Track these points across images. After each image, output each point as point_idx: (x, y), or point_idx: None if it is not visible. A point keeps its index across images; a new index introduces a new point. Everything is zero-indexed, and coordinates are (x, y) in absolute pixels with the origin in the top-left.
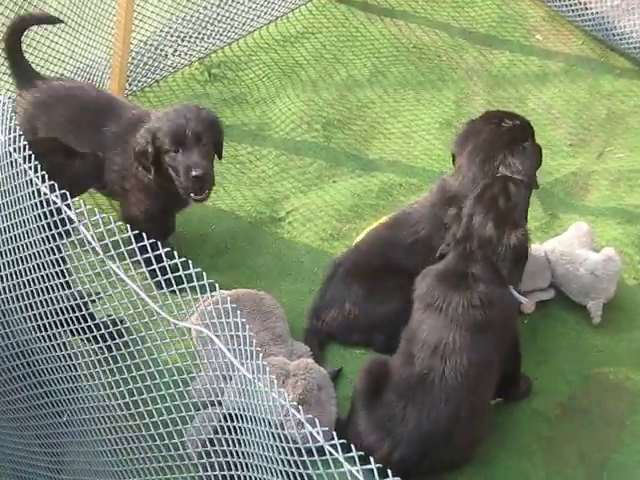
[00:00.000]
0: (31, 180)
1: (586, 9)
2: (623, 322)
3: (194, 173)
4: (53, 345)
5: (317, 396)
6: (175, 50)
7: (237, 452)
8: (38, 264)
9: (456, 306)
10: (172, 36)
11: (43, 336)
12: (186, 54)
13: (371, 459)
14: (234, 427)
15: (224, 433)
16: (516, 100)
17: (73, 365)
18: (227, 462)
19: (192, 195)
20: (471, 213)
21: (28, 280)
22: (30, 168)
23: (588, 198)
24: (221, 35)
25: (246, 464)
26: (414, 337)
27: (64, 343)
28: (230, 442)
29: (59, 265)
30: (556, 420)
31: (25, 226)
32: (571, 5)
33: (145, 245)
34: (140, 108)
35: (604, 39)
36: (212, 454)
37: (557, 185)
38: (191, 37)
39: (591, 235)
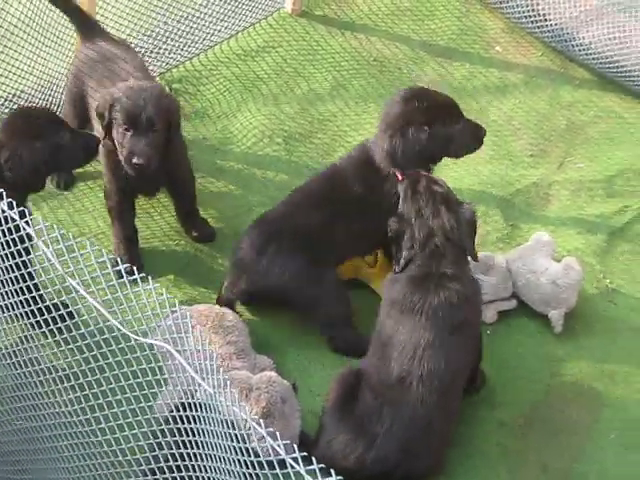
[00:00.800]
0: None
1: (545, 20)
2: (584, 331)
3: (135, 161)
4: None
5: (281, 409)
6: None
7: (198, 466)
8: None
9: (436, 308)
10: None
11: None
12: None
13: (332, 471)
14: (195, 441)
15: (185, 447)
16: (476, 112)
17: (38, 381)
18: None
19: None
20: (418, 209)
21: None
22: None
23: (549, 208)
24: (182, 50)
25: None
26: (390, 341)
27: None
28: (192, 456)
29: (25, 281)
30: (519, 430)
31: None
32: (530, 17)
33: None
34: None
35: (563, 50)
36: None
37: (518, 196)
38: (152, 52)
39: (552, 245)
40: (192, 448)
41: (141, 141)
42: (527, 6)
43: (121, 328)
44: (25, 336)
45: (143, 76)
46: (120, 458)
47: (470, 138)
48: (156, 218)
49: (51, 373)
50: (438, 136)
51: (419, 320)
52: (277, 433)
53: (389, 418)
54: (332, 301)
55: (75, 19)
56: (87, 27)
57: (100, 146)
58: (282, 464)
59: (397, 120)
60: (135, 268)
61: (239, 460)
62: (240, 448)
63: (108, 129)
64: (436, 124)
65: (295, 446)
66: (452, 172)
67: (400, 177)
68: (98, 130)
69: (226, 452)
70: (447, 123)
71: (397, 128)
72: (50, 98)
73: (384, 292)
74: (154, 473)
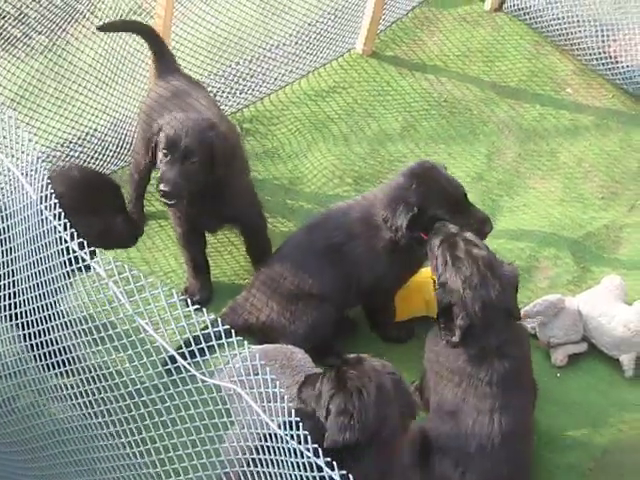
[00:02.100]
0: (61, 238)
1: (616, 63)
2: None
3: (161, 187)
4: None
5: None
6: None
7: None
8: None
9: (504, 377)
10: None
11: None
12: None
13: None
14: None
15: None
16: (547, 154)
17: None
18: None
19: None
20: (464, 279)
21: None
22: (60, 225)
23: (620, 251)
24: (253, 90)
25: None
26: (459, 410)
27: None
28: None
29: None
30: (589, 474)
31: (55, 283)
32: (601, 59)
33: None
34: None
35: (635, 92)
36: None
37: (589, 238)
38: (223, 92)
39: (623, 288)
40: None
41: (173, 169)
42: (598, 48)
43: (190, 369)
44: (93, 377)
45: (214, 114)
46: None
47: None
48: (225, 257)
49: (117, 414)
50: (430, 218)
51: (489, 390)
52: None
53: None
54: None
55: (156, 52)
56: (164, 63)
57: None
58: None
59: (393, 192)
60: (202, 298)
61: None
62: None
63: (153, 153)
64: (430, 208)
65: None
66: (523, 214)
67: (424, 236)
68: None
69: None
70: (443, 208)
71: (389, 202)
72: (123, 137)
73: (430, 355)
74: None
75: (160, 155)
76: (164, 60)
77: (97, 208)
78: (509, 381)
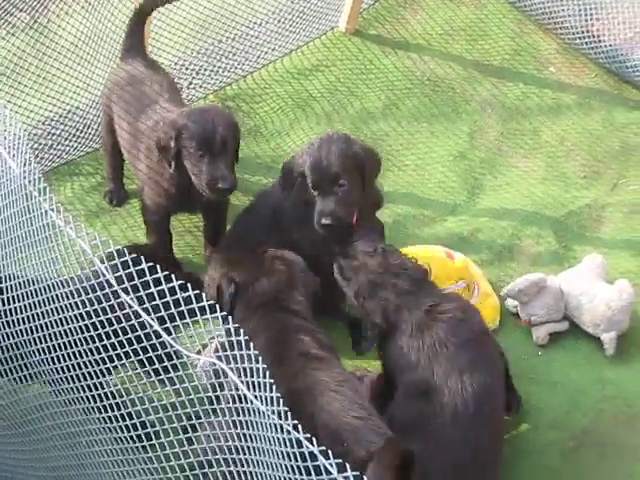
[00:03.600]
0: (46, 212)
1: (599, 42)
2: (637, 354)
3: (221, 186)
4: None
5: None
6: (190, 83)
7: None
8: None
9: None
10: (187, 69)
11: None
12: (201, 87)
13: None
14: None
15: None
16: (530, 132)
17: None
18: None
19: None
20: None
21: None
22: (45, 200)
23: (602, 230)
24: (236, 68)
25: None
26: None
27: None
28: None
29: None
30: (569, 452)
31: (40, 258)
32: (584, 38)
33: (159, 278)
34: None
35: (617, 71)
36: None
37: (571, 217)
38: (206, 70)
39: (604, 267)
40: (245, 466)
41: (220, 165)
42: (581, 27)
43: (174, 344)
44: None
45: (170, 97)
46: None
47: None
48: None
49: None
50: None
51: (446, 350)
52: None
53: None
54: None
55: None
56: (131, 42)
57: (144, 166)
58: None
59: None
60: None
61: (291, 479)
62: (292, 466)
63: (177, 159)
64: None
65: (347, 465)
66: (505, 193)
67: None
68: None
69: (279, 471)
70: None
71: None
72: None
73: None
74: None
75: (193, 158)
76: (133, 40)
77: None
78: (459, 335)
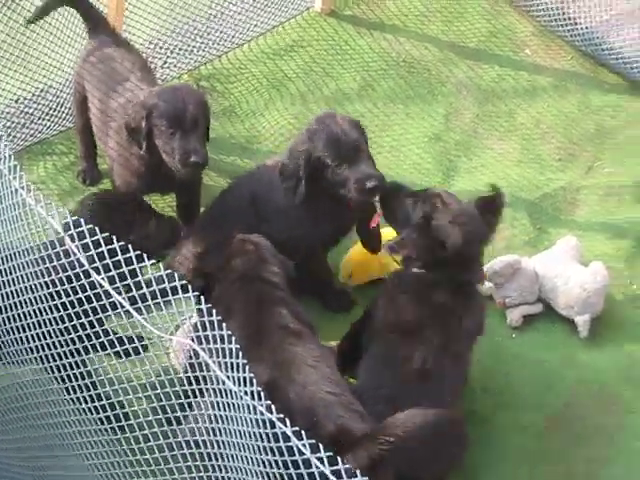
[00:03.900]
0: (16, 190)
1: (575, 24)
2: (611, 337)
3: (193, 159)
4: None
5: None
6: (164, 62)
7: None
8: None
9: None
10: (161, 48)
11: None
12: (175, 66)
13: (358, 473)
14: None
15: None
16: (505, 115)
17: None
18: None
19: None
20: None
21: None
22: (14, 178)
23: (577, 213)
24: (210, 48)
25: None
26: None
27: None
28: (214, 456)
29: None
30: (542, 434)
31: (9, 237)
32: (560, 20)
33: (130, 257)
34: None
35: (593, 54)
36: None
37: (546, 200)
38: (180, 49)
39: (579, 249)
40: (217, 448)
41: (191, 140)
42: (557, 9)
43: (145, 324)
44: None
45: (143, 76)
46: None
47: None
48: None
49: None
50: (318, 162)
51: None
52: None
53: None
54: None
55: (83, 14)
56: (94, 24)
57: (114, 145)
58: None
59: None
60: None
61: (264, 460)
62: (265, 447)
63: (148, 138)
64: (316, 151)
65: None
66: (480, 175)
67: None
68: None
69: (251, 452)
70: (328, 152)
71: (286, 152)
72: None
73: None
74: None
75: (164, 135)
76: (94, 21)
77: (128, 227)
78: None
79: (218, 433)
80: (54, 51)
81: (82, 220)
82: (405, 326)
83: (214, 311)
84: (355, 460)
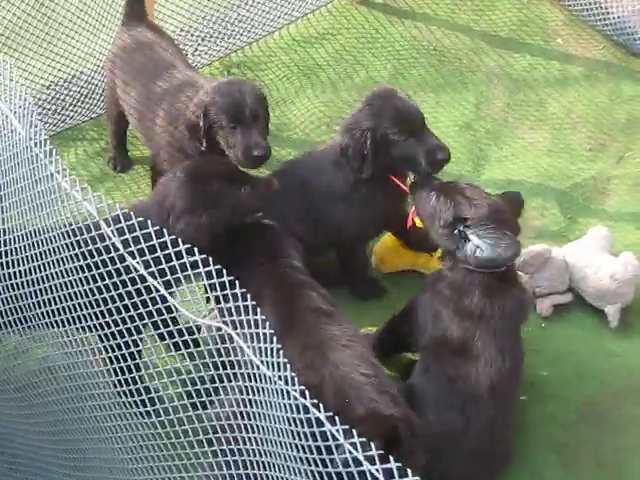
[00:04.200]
0: (52, 174)
1: (607, 14)
2: None
3: (256, 153)
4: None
5: None
6: (195, 50)
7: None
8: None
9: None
10: (192, 35)
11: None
12: (206, 53)
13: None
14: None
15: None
16: (536, 104)
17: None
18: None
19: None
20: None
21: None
22: (50, 163)
23: (607, 203)
24: (241, 35)
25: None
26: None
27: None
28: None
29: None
30: (572, 425)
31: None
32: (592, 10)
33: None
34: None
35: (625, 44)
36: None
37: (576, 189)
38: (211, 37)
39: (609, 239)
40: (253, 432)
41: (253, 134)
42: None
43: (179, 308)
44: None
45: (186, 63)
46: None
47: (423, 156)
48: None
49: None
50: (383, 138)
51: (501, 325)
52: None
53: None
54: None
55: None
56: (132, 10)
57: (162, 131)
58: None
59: (348, 121)
60: None
61: (298, 445)
62: (297, 432)
63: (208, 136)
64: (381, 127)
65: (355, 432)
66: (511, 164)
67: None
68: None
69: (284, 436)
70: (394, 128)
71: (345, 129)
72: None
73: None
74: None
75: (225, 131)
76: (132, 8)
77: (217, 199)
78: (515, 318)
79: (251, 417)
80: (86, 37)
81: None
82: (455, 344)
83: (248, 295)
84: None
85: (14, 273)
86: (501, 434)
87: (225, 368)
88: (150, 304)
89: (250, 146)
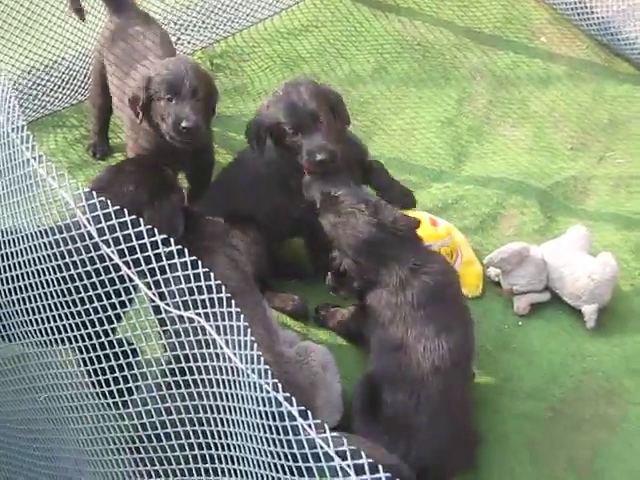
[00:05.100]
0: (28, 160)
1: (592, 13)
2: (617, 328)
3: (184, 124)
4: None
5: (323, 377)
6: (178, 39)
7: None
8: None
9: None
10: (175, 24)
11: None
12: (189, 43)
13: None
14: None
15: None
16: (518, 102)
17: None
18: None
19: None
20: None
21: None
22: (27, 149)
23: (587, 202)
24: (225, 25)
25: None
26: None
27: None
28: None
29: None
30: (546, 423)
31: (23, 206)
32: (577, 9)
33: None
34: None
35: (609, 44)
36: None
37: (556, 188)
38: (194, 26)
39: (588, 239)
40: (222, 426)
41: (186, 107)
42: None
43: (154, 299)
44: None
45: (164, 52)
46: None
47: (305, 154)
48: None
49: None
50: (273, 128)
51: (422, 312)
52: (309, 412)
53: (428, 412)
54: None
55: None
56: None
57: (127, 121)
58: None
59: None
60: None
61: (266, 438)
62: (270, 426)
63: (145, 109)
64: (269, 117)
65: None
66: (491, 161)
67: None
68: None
69: (252, 430)
70: (285, 120)
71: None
72: (90, 66)
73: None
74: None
75: (162, 102)
76: None
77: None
78: (438, 297)
79: (223, 411)
80: (67, 22)
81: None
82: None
83: (223, 288)
84: None
85: None
86: (459, 412)
87: (197, 360)
88: (124, 294)
89: (180, 117)
